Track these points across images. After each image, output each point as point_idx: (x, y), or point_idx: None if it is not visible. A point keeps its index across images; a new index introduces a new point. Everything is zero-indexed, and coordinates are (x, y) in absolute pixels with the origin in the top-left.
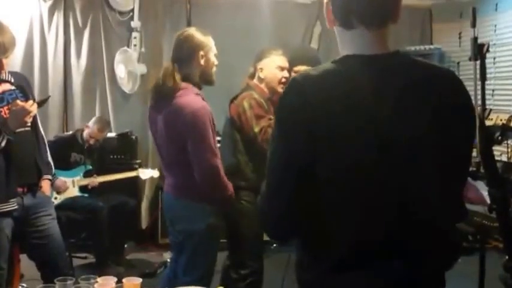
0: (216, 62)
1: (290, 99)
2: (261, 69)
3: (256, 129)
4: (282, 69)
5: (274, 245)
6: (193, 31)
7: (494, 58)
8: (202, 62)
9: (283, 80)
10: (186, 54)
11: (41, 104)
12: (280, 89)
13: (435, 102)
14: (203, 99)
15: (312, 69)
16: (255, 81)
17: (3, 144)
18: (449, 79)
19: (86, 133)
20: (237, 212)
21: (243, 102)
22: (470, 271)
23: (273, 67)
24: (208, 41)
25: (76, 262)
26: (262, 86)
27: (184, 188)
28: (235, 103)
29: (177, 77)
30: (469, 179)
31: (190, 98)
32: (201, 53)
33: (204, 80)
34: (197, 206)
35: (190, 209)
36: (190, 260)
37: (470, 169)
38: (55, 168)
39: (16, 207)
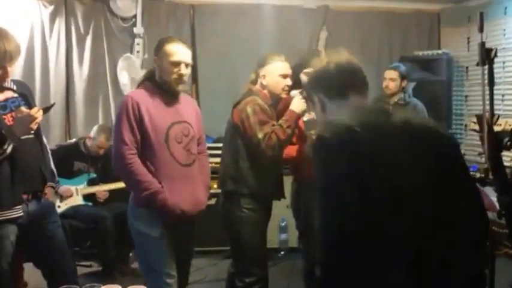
0: (173, 72)
1: (342, 149)
2: (264, 76)
3: (260, 135)
4: (285, 77)
5: (282, 252)
6: (173, 38)
7: (504, 62)
8: (156, 65)
9: (286, 88)
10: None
11: (46, 110)
12: (284, 95)
13: (440, 159)
14: (151, 92)
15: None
16: (258, 86)
17: (8, 150)
18: (446, 138)
19: (92, 144)
20: (239, 220)
21: (247, 107)
22: None
23: (276, 75)
24: (170, 51)
25: (81, 270)
26: (265, 92)
27: None
28: (238, 108)
29: (147, 74)
30: (477, 185)
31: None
32: (155, 57)
33: (164, 85)
34: (131, 205)
35: (129, 206)
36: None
37: (479, 175)
38: (58, 177)
39: (21, 214)
